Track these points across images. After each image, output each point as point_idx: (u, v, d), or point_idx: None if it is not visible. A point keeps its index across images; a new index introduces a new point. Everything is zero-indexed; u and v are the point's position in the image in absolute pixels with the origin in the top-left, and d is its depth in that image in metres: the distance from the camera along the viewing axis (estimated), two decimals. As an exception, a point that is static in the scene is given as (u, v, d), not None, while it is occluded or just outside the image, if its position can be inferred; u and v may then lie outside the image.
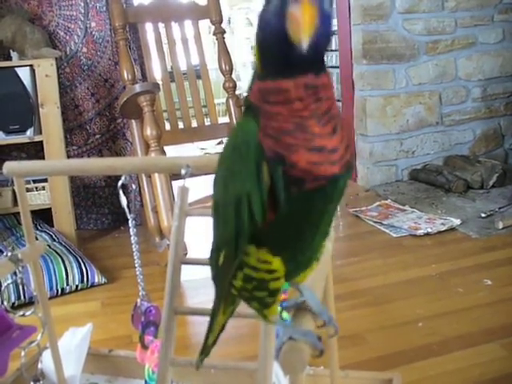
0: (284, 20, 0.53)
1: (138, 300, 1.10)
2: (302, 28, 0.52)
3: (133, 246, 0.96)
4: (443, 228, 2.85)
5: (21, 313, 1.04)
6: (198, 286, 2.26)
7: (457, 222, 2.91)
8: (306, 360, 0.62)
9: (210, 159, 0.87)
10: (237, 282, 0.69)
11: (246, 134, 0.61)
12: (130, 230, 0.96)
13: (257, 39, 0.58)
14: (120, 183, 0.91)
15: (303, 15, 0.52)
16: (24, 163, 0.98)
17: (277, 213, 0.61)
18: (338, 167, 0.60)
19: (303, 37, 0.52)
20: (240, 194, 0.61)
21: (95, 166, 0.92)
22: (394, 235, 2.85)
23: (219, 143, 5.84)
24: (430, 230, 2.82)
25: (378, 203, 3.37)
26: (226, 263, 0.69)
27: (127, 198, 0.93)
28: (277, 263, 0.66)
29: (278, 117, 0.59)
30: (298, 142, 0.58)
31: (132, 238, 0.96)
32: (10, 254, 1.04)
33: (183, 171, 0.84)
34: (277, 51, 0.56)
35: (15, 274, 0.99)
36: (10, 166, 0.98)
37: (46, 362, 1.26)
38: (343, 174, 0.61)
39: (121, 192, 0.92)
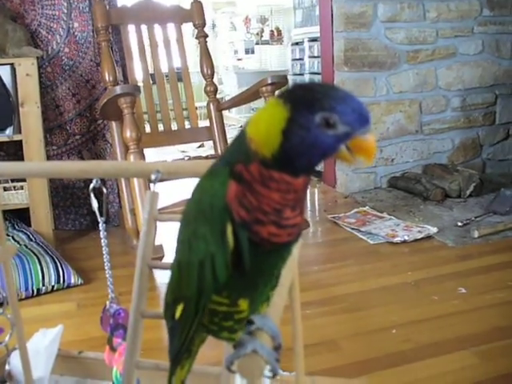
0: (338, 144, 0.59)
1: (107, 302, 1.10)
2: (372, 156, 0.59)
3: (103, 249, 0.96)
4: (420, 236, 2.87)
5: (-11, 313, 1.04)
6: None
7: (433, 230, 2.94)
8: (263, 368, 0.64)
9: (181, 165, 0.87)
10: (204, 318, 0.72)
11: (212, 198, 0.64)
12: (101, 232, 0.96)
13: (288, 143, 0.60)
14: (91, 186, 0.92)
15: (372, 144, 0.59)
16: (-2, 164, 0.98)
17: (236, 267, 0.65)
18: (293, 237, 0.66)
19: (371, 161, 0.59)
20: (204, 255, 0.65)
21: (67, 169, 0.92)
22: (372, 242, 2.87)
23: (200, 146, 5.85)
24: (406, 238, 2.84)
25: (356, 210, 3.39)
26: (184, 319, 0.73)
27: (99, 202, 0.93)
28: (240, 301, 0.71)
29: (264, 198, 0.62)
30: (268, 220, 0.62)
31: (102, 240, 0.96)
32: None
33: (153, 176, 0.85)
34: (309, 163, 0.61)
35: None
36: (-16, 166, 0.98)
37: (15, 363, 1.25)
38: (295, 240, 0.67)
39: (92, 195, 0.93)
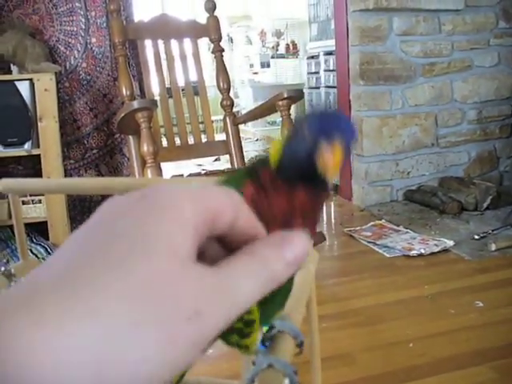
0: (314, 156, 0.56)
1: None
2: (332, 170, 0.56)
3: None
4: (436, 249, 2.86)
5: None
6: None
7: (450, 243, 2.93)
8: (282, 381, 0.64)
9: (202, 181, 0.89)
10: None
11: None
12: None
13: (284, 156, 0.60)
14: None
15: (334, 159, 0.55)
16: (20, 181, 0.99)
17: None
18: None
19: (331, 175, 0.56)
20: None
21: (88, 185, 0.94)
22: (388, 255, 2.86)
23: (216, 160, 5.86)
24: (423, 251, 2.83)
25: (372, 223, 3.38)
26: None
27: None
28: None
29: (273, 203, 0.60)
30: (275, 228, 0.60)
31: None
32: (3, 268, 1.05)
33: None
34: (301, 173, 0.59)
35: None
36: (5, 182, 1.00)
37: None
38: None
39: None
